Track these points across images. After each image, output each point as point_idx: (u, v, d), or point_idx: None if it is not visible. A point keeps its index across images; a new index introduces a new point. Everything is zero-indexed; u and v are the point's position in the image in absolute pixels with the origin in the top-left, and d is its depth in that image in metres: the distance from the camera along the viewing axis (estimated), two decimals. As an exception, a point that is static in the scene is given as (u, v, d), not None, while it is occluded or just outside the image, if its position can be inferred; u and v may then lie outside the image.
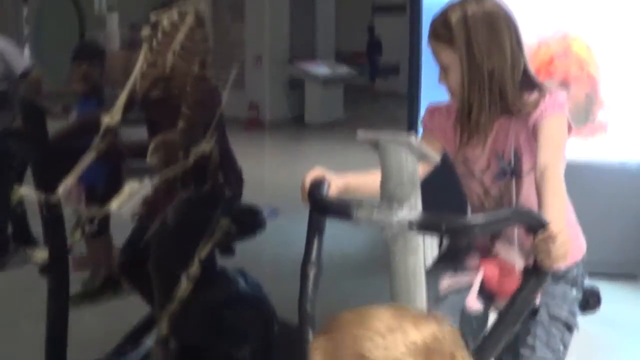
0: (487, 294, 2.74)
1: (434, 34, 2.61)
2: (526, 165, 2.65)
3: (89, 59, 5.58)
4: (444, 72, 2.63)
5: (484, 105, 2.58)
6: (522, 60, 2.61)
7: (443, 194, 3.05)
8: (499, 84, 2.57)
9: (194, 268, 3.78)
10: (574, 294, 2.80)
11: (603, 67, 5.97)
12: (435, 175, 2.65)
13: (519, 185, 2.68)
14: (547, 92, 2.59)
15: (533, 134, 2.55)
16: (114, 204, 3.49)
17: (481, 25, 2.55)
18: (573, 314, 2.78)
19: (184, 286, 3.79)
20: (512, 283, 2.59)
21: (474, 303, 2.72)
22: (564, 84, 5.95)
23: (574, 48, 5.99)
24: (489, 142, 2.67)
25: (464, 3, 2.58)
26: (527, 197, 2.64)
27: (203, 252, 3.82)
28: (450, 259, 2.86)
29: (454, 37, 2.55)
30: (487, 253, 2.79)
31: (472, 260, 2.81)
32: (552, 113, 2.53)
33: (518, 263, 2.66)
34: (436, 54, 2.63)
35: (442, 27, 2.58)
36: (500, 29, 2.57)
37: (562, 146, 2.50)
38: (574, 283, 2.78)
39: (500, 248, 2.73)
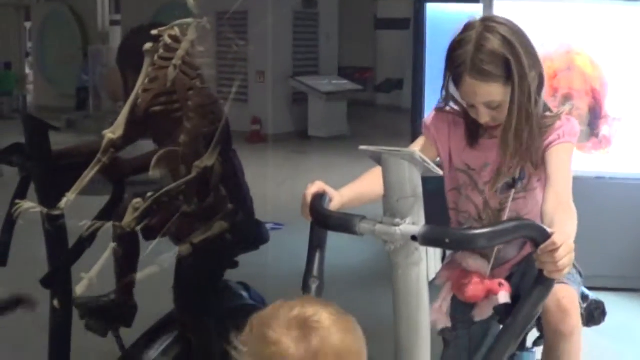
0: (462, 305, 2.73)
1: (485, 74, 2.46)
2: (533, 181, 2.64)
3: None
4: (488, 109, 2.53)
5: (530, 120, 2.53)
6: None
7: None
8: (537, 95, 2.53)
9: (184, 247, 3.72)
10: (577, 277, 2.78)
11: (607, 81, 5.96)
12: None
13: (524, 200, 2.66)
14: (562, 115, 2.58)
15: (543, 154, 2.53)
16: (125, 222, 3.48)
17: (520, 43, 2.48)
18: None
19: (168, 259, 3.75)
20: (478, 291, 2.60)
21: (440, 320, 2.73)
22: (568, 98, 5.94)
23: (577, 63, 5.98)
24: (496, 154, 2.64)
25: (491, 27, 2.48)
26: (531, 211, 2.64)
27: (196, 238, 3.75)
28: None
29: (511, 69, 2.45)
30: (450, 263, 2.79)
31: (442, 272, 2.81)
32: (568, 140, 2.53)
33: (482, 270, 2.67)
34: (482, 95, 2.50)
35: (494, 65, 2.45)
36: (529, 40, 2.54)
37: (571, 173, 2.48)
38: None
39: (462, 256, 2.72)
